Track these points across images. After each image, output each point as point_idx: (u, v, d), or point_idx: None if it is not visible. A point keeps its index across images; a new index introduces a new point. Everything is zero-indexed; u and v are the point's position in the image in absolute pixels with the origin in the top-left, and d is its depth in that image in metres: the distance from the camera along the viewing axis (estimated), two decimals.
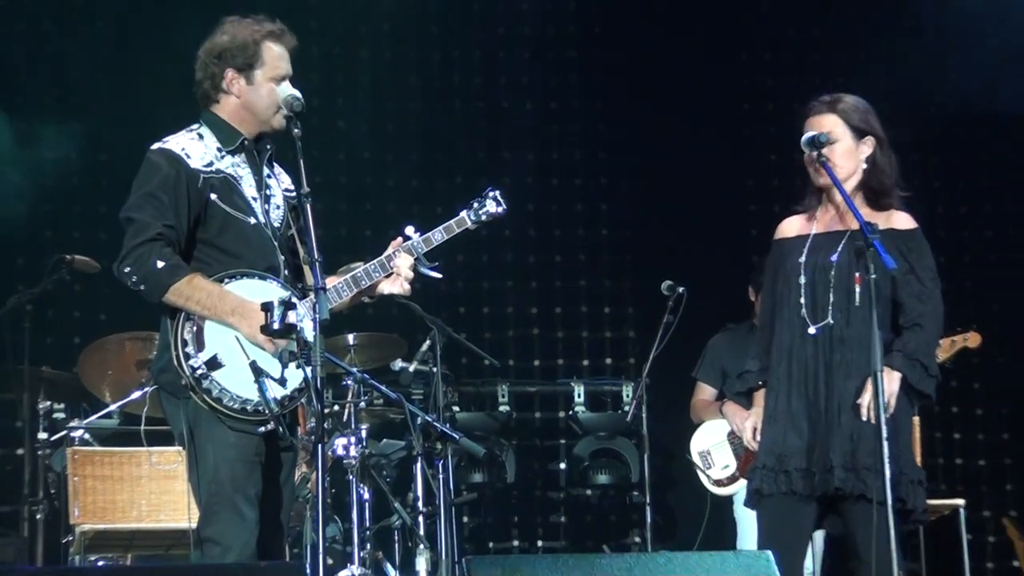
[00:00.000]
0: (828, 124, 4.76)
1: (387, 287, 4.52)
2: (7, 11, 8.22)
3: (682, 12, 8.56)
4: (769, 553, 4.30)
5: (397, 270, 4.49)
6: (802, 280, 4.73)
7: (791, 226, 4.89)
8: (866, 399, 4.55)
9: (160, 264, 4.22)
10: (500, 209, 4.68)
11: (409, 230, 4.55)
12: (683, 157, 8.40)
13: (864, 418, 4.55)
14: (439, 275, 4.57)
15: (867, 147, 4.78)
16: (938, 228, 7.87)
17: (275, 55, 4.44)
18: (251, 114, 4.45)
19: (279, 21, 4.52)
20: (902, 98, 8.40)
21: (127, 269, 4.25)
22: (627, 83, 8.77)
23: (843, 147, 4.75)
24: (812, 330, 4.68)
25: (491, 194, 4.69)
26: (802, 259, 4.75)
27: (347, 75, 8.56)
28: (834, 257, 4.71)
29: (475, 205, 4.67)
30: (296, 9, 8.17)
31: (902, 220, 4.78)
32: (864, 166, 4.78)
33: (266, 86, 4.42)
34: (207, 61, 4.46)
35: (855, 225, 4.59)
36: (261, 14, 4.53)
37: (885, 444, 4.33)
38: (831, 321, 4.67)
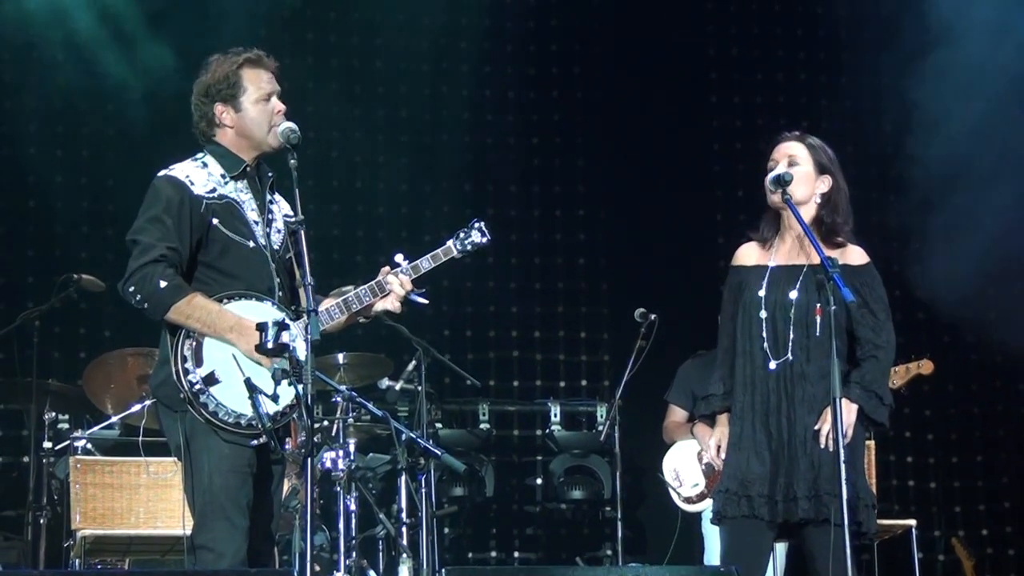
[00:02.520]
0: (794, 149, 4.77)
1: (380, 304, 4.51)
2: (22, 47, 8.20)
3: (658, 57, 8.60)
4: (734, 569, 4.29)
5: (393, 288, 4.47)
6: (763, 315, 4.71)
7: (749, 254, 4.85)
8: (824, 428, 4.55)
9: (163, 284, 4.21)
10: (485, 239, 4.66)
11: (399, 258, 4.54)
12: (657, 192, 8.43)
13: (823, 445, 4.55)
14: (426, 301, 4.56)
15: (824, 184, 4.78)
16: (892, 262, 7.90)
17: (255, 79, 4.43)
18: (246, 140, 4.44)
19: (256, 49, 4.49)
20: (861, 139, 8.45)
21: (131, 288, 4.24)
22: (605, 121, 8.81)
23: (803, 171, 4.74)
24: (773, 365, 4.67)
25: (476, 225, 4.67)
26: (762, 292, 4.72)
27: (341, 109, 8.56)
28: (793, 294, 4.69)
29: (461, 235, 4.65)
30: (293, 44, 8.21)
31: (856, 255, 4.77)
32: (818, 201, 4.78)
33: (253, 109, 4.41)
34: (197, 102, 4.46)
35: (814, 259, 4.60)
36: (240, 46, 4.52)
37: (843, 468, 4.33)
38: (791, 358, 4.65)
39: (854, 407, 4.59)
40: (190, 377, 4.21)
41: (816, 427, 4.58)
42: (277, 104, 4.43)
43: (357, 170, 8.67)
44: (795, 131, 4.87)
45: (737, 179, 8.57)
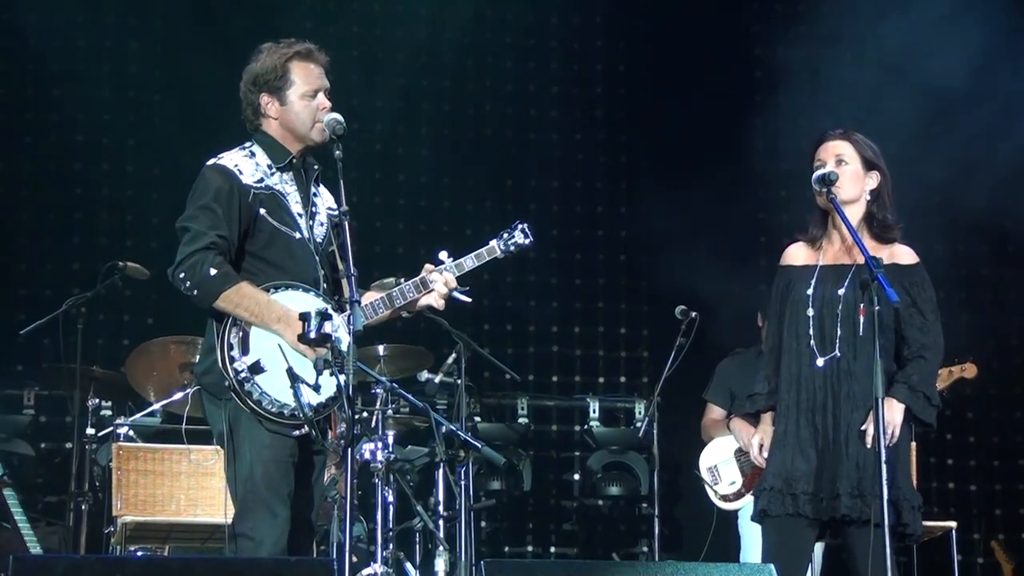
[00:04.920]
0: (841, 148, 4.76)
1: (424, 301, 4.53)
2: (71, 35, 8.29)
3: (702, 55, 8.57)
4: (772, 567, 4.28)
5: (437, 286, 4.50)
6: (810, 312, 4.69)
7: (797, 254, 4.84)
8: (871, 428, 4.52)
9: (213, 272, 4.23)
10: (527, 241, 4.67)
11: (442, 255, 4.56)
12: (699, 190, 8.39)
13: (868, 446, 4.53)
14: (468, 299, 4.59)
15: (873, 180, 4.76)
16: (936, 265, 7.83)
17: (304, 73, 4.43)
18: (290, 132, 4.45)
19: (308, 41, 4.50)
20: (905, 143, 8.38)
21: (181, 275, 4.25)
22: (648, 118, 8.79)
23: (851, 170, 4.73)
24: (820, 362, 4.65)
25: (520, 226, 4.68)
26: (810, 291, 4.71)
27: (385, 101, 8.59)
28: (841, 291, 4.67)
29: (505, 236, 4.67)
30: (339, 37, 8.25)
31: (905, 255, 4.75)
32: (868, 197, 4.76)
33: (299, 103, 4.42)
34: (245, 89, 4.48)
35: (861, 259, 4.57)
36: (292, 38, 4.52)
37: (884, 468, 4.31)
38: (838, 354, 4.63)
39: (900, 407, 4.57)
40: (236, 365, 4.23)
41: (863, 427, 4.56)
42: (323, 101, 4.43)
43: (400, 163, 8.69)
44: (838, 129, 4.84)
45: (780, 178, 8.54)
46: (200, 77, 7.97)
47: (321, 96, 4.44)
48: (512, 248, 4.65)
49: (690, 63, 8.60)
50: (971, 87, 8.13)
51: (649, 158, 8.78)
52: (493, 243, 4.65)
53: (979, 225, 8.74)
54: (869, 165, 4.76)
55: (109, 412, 6.72)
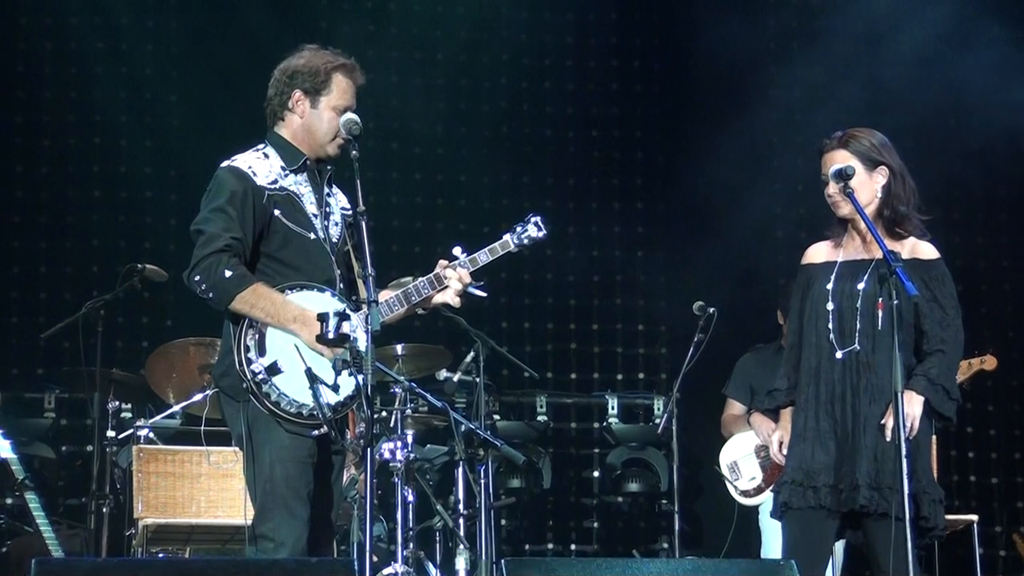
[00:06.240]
0: (840, 159, 4.72)
1: (439, 297, 4.53)
2: (88, 37, 8.32)
3: (717, 50, 8.53)
4: (793, 562, 4.27)
5: (451, 282, 4.49)
6: (830, 306, 4.69)
7: (818, 252, 4.85)
8: (890, 422, 4.51)
9: (228, 273, 4.24)
10: (541, 234, 4.66)
11: (456, 250, 4.55)
12: (716, 186, 8.38)
13: (888, 439, 4.52)
14: (484, 293, 4.58)
15: (881, 177, 4.73)
16: (955, 257, 7.80)
17: (342, 87, 4.46)
18: (310, 136, 4.46)
19: (353, 58, 4.53)
20: (924, 136, 8.35)
21: (197, 277, 4.26)
22: (664, 114, 8.78)
23: (856, 179, 4.70)
24: (839, 354, 4.65)
25: (533, 219, 4.67)
26: (830, 286, 4.71)
27: (401, 101, 8.59)
28: (861, 285, 4.67)
29: (518, 229, 4.66)
30: (353, 35, 8.24)
31: (925, 250, 4.73)
32: (879, 195, 4.73)
33: (328, 113, 4.44)
34: (280, 79, 4.49)
35: (880, 254, 4.56)
36: (333, 47, 4.56)
37: (904, 462, 4.31)
38: (857, 347, 4.63)
39: (919, 399, 4.56)
40: (253, 367, 4.23)
41: (882, 421, 4.55)
42: (349, 115, 4.43)
43: (416, 162, 8.69)
44: (836, 134, 4.79)
45: (796, 173, 8.51)
46: (217, 78, 7.99)
47: (349, 114, 4.44)
48: (526, 241, 4.64)
49: (704, 58, 8.57)
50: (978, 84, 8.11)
51: (666, 154, 8.76)
52: (507, 237, 4.64)
53: (998, 217, 8.70)
54: (873, 164, 4.72)
55: (129, 414, 6.74)
